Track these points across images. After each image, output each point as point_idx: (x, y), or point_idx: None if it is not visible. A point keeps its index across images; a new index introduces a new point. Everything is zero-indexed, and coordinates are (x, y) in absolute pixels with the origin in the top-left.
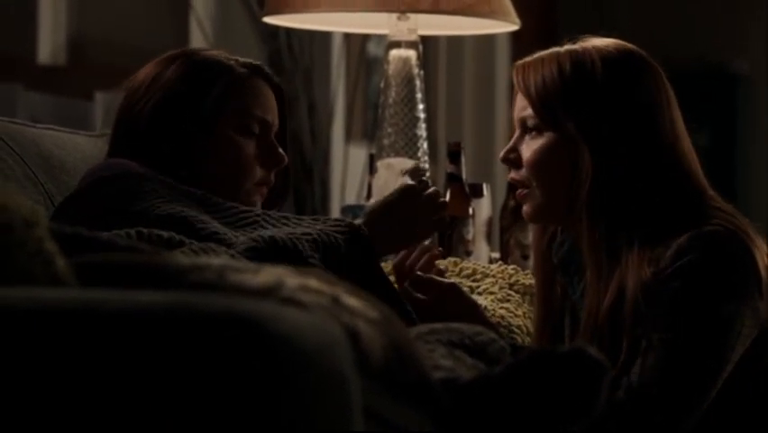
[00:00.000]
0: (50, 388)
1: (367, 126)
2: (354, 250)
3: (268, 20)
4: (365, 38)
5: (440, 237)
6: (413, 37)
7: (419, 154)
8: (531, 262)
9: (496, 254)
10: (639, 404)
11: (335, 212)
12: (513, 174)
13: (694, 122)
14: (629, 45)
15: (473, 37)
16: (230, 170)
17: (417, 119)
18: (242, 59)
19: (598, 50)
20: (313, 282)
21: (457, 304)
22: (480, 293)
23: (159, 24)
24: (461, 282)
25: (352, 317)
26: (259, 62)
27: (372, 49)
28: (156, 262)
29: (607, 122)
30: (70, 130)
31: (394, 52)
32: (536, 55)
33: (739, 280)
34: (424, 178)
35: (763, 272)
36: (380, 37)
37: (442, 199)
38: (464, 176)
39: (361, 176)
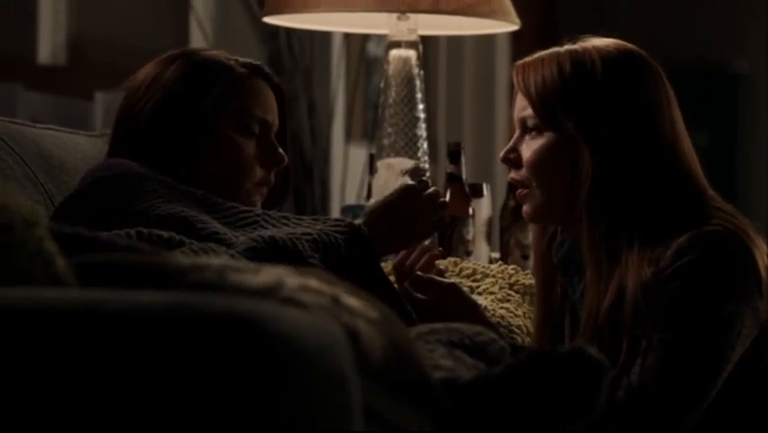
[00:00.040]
0: (51, 388)
1: (367, 126)
2: (354, 250)
3: (268, 20)
4: (365, 38)
5: (440, 237)
6: (413, 37)
7: (419, 154)
8: (531, 262)
9: (496, 254)
10: (639, 404)
11: (335, 212)
12: (513, 174)
13: (694, 122)
14: (629, 45)
15: (473, 37)
16: (230, 170)
17: (417, 119)
18: (241, 59)
19: (598, 50)
20: (313, 282)
21: (457, 304)
22: (480, 293)
23: (159, 24)
24: (461, 282)
25: (351, 317)
26: (259, 62)
27: (372, 49)
28: (156, 262)
29: (607, 122)
30: (70, 130)
31: (394, 52)
32: (536, 55)
33: (739, 280)
34: (424, 178)
35: (763, 272)
36: (380, 37)
37: (442, 199)
38: (464, 176)
39: (361, 176)
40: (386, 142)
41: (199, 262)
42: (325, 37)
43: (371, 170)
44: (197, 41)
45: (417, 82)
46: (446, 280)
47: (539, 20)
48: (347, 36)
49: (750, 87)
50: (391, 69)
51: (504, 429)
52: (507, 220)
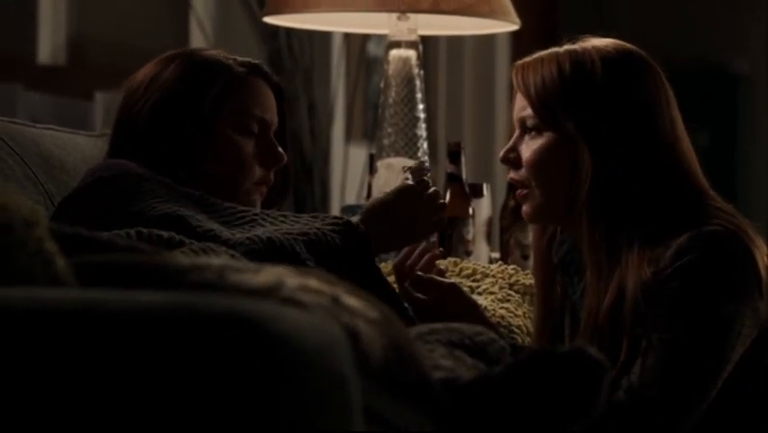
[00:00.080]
0: (51, 388)
1: (367, 126)
2: (350, 247)
3: (268, 20)
4: (365, 38)
5: (440, 237)
6: (413, 37)
7: (419, 154)
8: (531, 262)
9: (496, 254)
10: (639, 404)
11: (335, 212)
12: (512, 174)
13: (694, 122)
14: (628, 45)
15: (473, 37)
16: (229, 169)
17: (417, 119)
18: (240, 59)
19: (597, 50)
20: (313, 282)
21: (457, 304)
22: (480, 293)
23: (159, 24)
24: (461, 282)
25: (351, 317)
26: (257, 61)
27: (372, 49)
28: (156, 262)
29: (606, 122)
30: (70, 130)
31: (394, 52)
32: (536, 55)
33: (739, 280)
34: (426, 177)
35: (763, 272)
36: (380, 37)
37: (441, 201)
38: (464, 176)
39: (361, 176)
40: (386, 142)
41: (199, 262)
42: (325, 37)
43: (371, 170)
44: (197, 41)
45: (417, 82)
46: (446, 280)
47: (539, 20)
48: (347, 36)
49: (750, 87)
50: (391, 69)
51: (504, 429)
52: (507, 220)
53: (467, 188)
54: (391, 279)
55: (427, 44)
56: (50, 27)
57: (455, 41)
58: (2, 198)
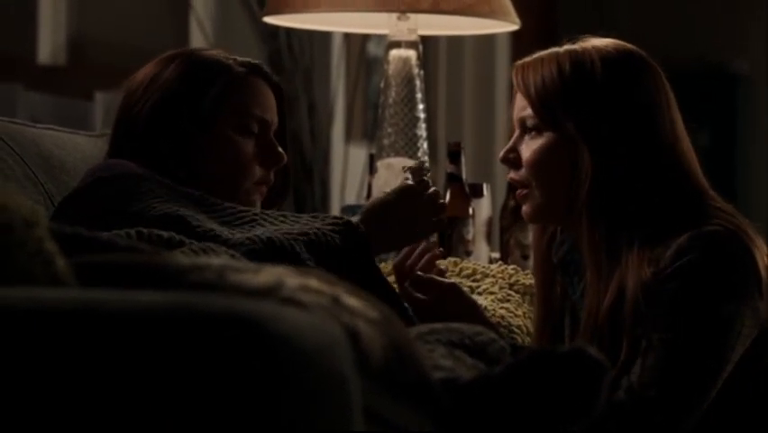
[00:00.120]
0: (51, 388)
1: (367, 126)
2: (350, 247)
3: (268, 20)
4: (365, 38)
5: (440, 237)
6: (413, 37)
7: (419, 154)
8: (531, 262)
9: (496, 254)
10: (639, 404)
11: (335, 212)
12: (512, 174)
13: (694, 122)
14: (628, 45)
15: (473, 37)
16: (229, 169)
17: (417, 119)
18: (240, 59)
19: (597, 50)
20: (313, 282)
21: (457, 304)
22: (480, 293)
23: (159, 24)
24: (461, 282)
25: (351, 317)
26: (257, 61)
27: (372, 49)
28: (156, 262)
29: (606, 122)
30: (70, 130)
31: (394, 52)
32: (536, 55)
33: (739, 280)
34: (425, 177)
35: (763, 272)
36: (380, 37)
37: (441, 201)
38: (464, 176)
39: (361, 176)
40: (386, 142)
41: (199, 262)
42: (325, 37)
43: (371, 170)
44: (197, 41)
45: (417, 82)
46: (447, 280)
47: (539, 20)
48: (347, 36)
49: (750, 87)
50: (391, 69)
51: (504, 429)
52: (507, 220)
53: (467, 188)
54: (391, 279)
55: (427, 44)
56: (50, 27)
57: (455, 41)
58: (2, 198)
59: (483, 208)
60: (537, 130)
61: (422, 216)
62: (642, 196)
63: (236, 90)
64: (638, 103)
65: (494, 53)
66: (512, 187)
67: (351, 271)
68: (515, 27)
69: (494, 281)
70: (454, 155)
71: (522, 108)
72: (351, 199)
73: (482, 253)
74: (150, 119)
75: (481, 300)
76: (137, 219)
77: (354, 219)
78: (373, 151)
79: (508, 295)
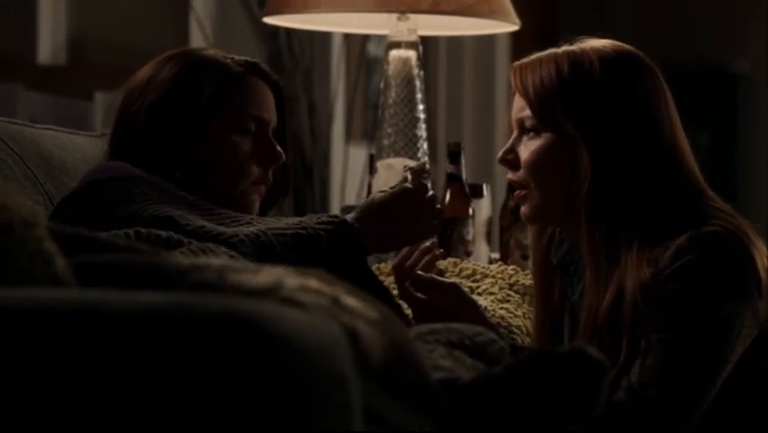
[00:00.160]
0: (50, 388)
1: (367, 126)
2: (340, 245)
3: (268, 20)
4: (365, 38)
5: (440, 238)
6: (413, 37)
7: (419, 154)
8: (531, 262)
9: (496, 255)
10: (639, 405)
11: (335, 212)
12: (511, 175)
13: (694, 122)
14: (626, 46)
15: (473, 37)
16: (226, 168)
17: (417, 119)
18: (238, 58)
19: (595, 50)
20: (313, 282)
21: (457, 304)
22: (479, 294)
23: (159, 24)
24: (461, 283)
25: (351, 318)
26: (256, 60)
27: (372, 49)
28: (156, 263)
29: (605, 122)
30: (70, 130)
31: (394, 53)
32: (534, 56)
33: (739, 280)
34: (424, 179)
35: (762, 273)
36: (380, 37)
37: (438, 206)
38: (464, 176)
39: (361, 176)
40: (386, 142)
41: (199, 263)
42: (325, 37)
43: (371, 170)
44: (197, 41)
45: (417, 82)
46: (447, 280)
47: (539, 20)
48: (347, 36)
49: (750, 87)
50: (391, 69)
51: (504, 430)
52: (507, 220)
53: (467, 189)
54: (391, 279)
55: (427, 44)
56: (50, 27)
57: (455, 42)
58: (2, 198)
59: (483, 209)
60: (536, 131)
61: (422, 217)
62: (641, 196)
63: (233, 89)
64: (636, 103)
65: (494, 54)
66: (512, 187)
67: (342, 270)
68: (515, 27)
69: (494, 282)
70: (454, 155)
71: (520, 109)
72: (351, 200)
73: (482, 253)
74: (149, 118)
75: (481, 301)
76: (129, 221)
77: (350, 217)
78: (373, 151)
79: (508, 295)
